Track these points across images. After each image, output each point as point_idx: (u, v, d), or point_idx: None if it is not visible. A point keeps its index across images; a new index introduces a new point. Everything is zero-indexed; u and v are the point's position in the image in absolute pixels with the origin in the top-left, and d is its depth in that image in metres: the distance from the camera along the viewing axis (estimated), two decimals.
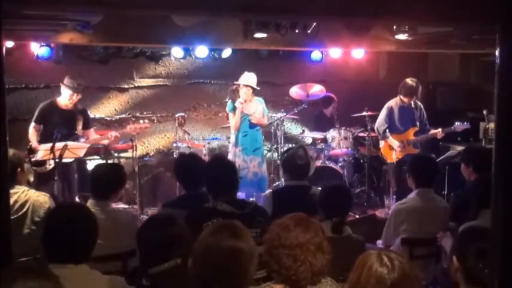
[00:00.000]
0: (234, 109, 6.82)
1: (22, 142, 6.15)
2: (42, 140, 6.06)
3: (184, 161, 4.50)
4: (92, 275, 2.60)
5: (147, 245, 2.65)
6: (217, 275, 2.19)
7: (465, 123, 7.17)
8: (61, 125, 6.03)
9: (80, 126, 6.35)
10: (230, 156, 6.83)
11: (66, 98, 6.22)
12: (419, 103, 7.07)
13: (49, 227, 2.69)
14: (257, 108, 6.88)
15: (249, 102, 6.80)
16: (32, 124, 6.19)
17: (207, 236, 2.27)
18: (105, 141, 6.62)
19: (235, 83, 6.88)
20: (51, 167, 5.85)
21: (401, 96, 6.94)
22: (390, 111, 7.00)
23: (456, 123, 7.13)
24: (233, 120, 6.84)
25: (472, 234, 2.64)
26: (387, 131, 7.01)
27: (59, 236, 2.59)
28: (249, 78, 6.78)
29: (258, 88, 6.87)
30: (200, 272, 2.21)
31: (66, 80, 6.19)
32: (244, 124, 6.86)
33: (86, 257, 2.64)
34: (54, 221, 2.71)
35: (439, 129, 6.98)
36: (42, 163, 5.89)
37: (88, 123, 6.54)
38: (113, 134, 6.50)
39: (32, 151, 5.94)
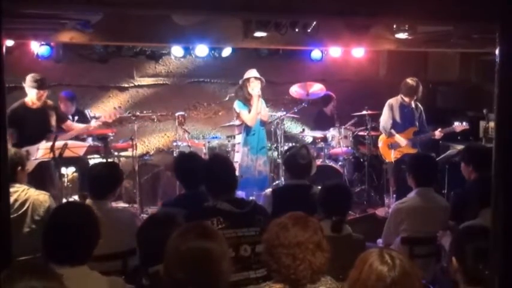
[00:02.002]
0: (246, 105, 6.73)
1: None
2: (18, 143, 5.83)
3: (184, 160, 4.49)
4: (92, 276, 2.59)
5: (147, 244, 2.65)
6: (190, 276, 2.17)
7: (464, 123, 7.15)
8: (35, 125, 5.91)
9: (53, 123, 6.21)
10: (239, 156, 6.79)
11: (33, 97, 6.04)
12: (420, 105, 7.06)
13: (51, 227, 2.68)
14: (261, 108, 6.83)
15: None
16: None
17: (176, 238, 2.26)
18: (95, 124, 6.53)
19: (245, 77, 6.77)
20: (31, 168, 5.79)
21: (402, 96, 6.94)
22: (391, 108, 6.98)
23: (455, 123, 7.12)
24: (250, 115, 6.70)
25: (469, 234, 2.64)
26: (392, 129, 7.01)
27: (61, 236, 2.58)
28: (256, 72, 6.75)
29: (264, 81, 6.81)
30: (173, 274, 2.20)
31: (28, 80, 6.00)
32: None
33: (87, 258, 2.62)
34: (56, 221, 2.71)
35: (438, 130, 6.97)
36: None
37: (62, 117, 6.40)
38: (94, 123, 6.49)
39: None
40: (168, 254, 2.23)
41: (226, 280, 2.30)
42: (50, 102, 6.30)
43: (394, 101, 7.00)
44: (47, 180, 5.84)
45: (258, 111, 6.71)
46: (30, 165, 5.77)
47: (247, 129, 6.79)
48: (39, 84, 6.01)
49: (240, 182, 6.48)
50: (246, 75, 6.78)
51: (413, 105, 6.98)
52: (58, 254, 2.54)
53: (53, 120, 6.23)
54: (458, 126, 7.11)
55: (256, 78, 6.71)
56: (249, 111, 6.73)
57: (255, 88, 6.69)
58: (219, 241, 2.27)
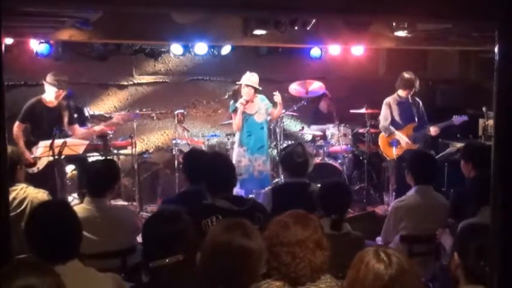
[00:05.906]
0: (236, 110, 6.64)
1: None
2: (31, 139, 5.92)
3: (193, 155, 4.52)
4: (88, 272, 2.59)
5: (152, 239, 2.66)
6: (225, 273, 2.18)
7: (463, 116, 7.13)
8: (50, 122, 5.89)
9: (66, 122, 6.23)
10: (234, 156, 6.69)
11: (51, 95, 6.06)
12: (418, 99, 7.02)
13: (30, 227, 2.64)
14: (260, 107, 6.71)
15: (250, 102, 6.64)
16: (16, 123, 5.96)
17: (219, 234, 2.25)
18: (98, 129, 6.49)
19: (238, 83, 6.72)
20: (42, 167, 5.82)
21: (399, 91, 6.86)
22: (389, 106, 6.94)
23: (454, 116, 7.10)
24: (235, 121, 6.67)
25: (473, 231, 2.64)
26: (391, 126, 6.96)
27: (42, 235, 2.55)
28: (250, 79, 6.60)
29: (260, 88, 6.69)
30: (208, 268, 2.20)
31: (49, 78, 6.01)
32: (248, 124, 6.68)
33: (74, 253, 2.59)
34: (35, 221, 2.66)
35: (433, 126, 6.92)
36: (33, 164, 5.81)
37: (72, 119, 6.38)
38: (97, 128, 6.48)
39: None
40: (208, 248, 2.23)
41: (257, 279, 2.32)
42: (64, 101, 6.31)
43: (391, 99, 6.94)
44: (55, 179, 5.87)
45: (239, 120, 6.59)
46: (41, 164, 5.81)
47: (242, 129, 6.72)
48: (59, 84, 6.03)
49: (239, 181, 6.49)
50: (241, 80, 6.65)
51: (410, 101, 6.91)
52: (45, 252, 2.51)
53: (66, 120, 6.25)
54: (458, 119, 7.07)
55: (247, 85, 6.57)
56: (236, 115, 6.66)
57: (243, 95, 6.58)
58: (259, 242, 2.29)
